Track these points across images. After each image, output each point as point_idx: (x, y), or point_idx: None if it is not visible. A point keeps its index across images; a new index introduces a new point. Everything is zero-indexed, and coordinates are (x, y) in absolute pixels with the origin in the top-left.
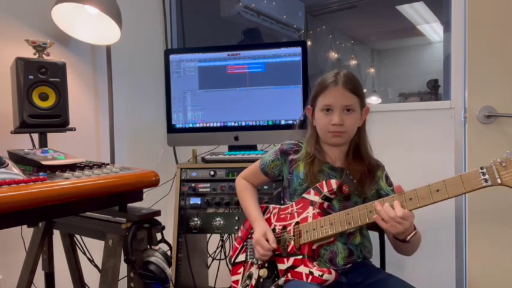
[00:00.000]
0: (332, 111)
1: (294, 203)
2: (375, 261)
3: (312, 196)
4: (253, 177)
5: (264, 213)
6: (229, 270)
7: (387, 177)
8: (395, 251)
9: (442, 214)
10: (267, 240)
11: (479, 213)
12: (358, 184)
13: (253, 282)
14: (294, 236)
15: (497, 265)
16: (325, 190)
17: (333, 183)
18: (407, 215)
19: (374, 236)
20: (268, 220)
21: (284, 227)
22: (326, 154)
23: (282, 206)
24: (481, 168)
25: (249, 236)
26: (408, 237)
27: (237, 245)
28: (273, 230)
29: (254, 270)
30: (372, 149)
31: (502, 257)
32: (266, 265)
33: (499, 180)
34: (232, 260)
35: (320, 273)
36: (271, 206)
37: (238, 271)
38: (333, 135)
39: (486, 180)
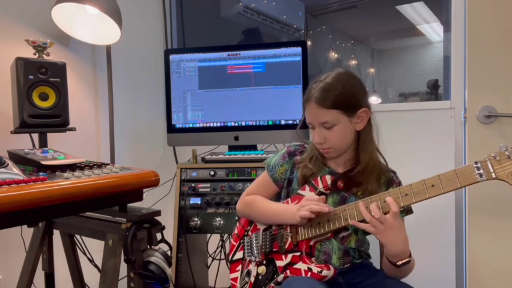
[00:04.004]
0: (314, 128)
1: (289, 199)
2: (375, 262)
3: (307, 192)
4: (261, 188)
5: None
6: (228, 268)
7: None
8: (384, 271)
9: (442, 209)
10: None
11: (479, 208)
12: (362, 185)
13: (252, 279)
14: (291, 232)
15: (498, 260)
16: (320, 186)
17: (328, 178)
18: (383, 218)
19: (373, 236)
20: None
21: (280, 224)
22: (329, 160)
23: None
24: (475, 162)
25: (245, 233)
26: (399, 262)
27: (234, 243)
28: (270, 227)
29: (252, 267)
30: (381, 154)
31: (502, 252)
32: (264, 262)
33: (493, 175)
34: (230, 257)
35: (319, 269)
36: None
37: (237, 268)
38: (321, 151)
39: (481, 175)
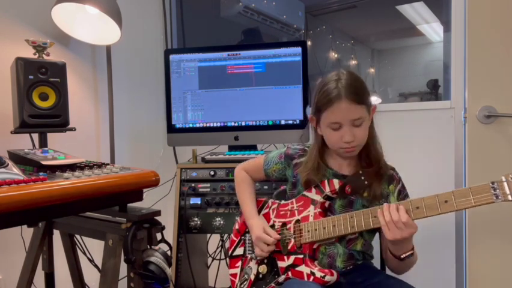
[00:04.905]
0: (341, 128)
1: (294, 200)
2: (376, 262)
3: (313, 195)
4: (255, 173)
5: (262, 207)
6: (227, 265)
7: (400, 192)
8: (387, 266)
9: (442, 221)
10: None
11: (479, 221)
12: (370, 187)
13: (252, 277)
14: (294, 234)
15: (498, 272)
16: (327, 190)
17: (336, 183)
18: (410, 223)
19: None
20: (267, 215)
21: (284, 224)
22: (332, 162)
23: (282, 202)
24: (492, 183)
25: (247, 229)
26: (403, 255)
27: (234, 238)
28: (272, 226)
29: (253, 265)
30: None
31: (502, 264)
32: (265, 261)
33: (510, 197)
34: (229, 252)
35: (322, 274)
36: (270, 200)
37: (236, 265)
38: (346, 151)
39: (497, 196)
